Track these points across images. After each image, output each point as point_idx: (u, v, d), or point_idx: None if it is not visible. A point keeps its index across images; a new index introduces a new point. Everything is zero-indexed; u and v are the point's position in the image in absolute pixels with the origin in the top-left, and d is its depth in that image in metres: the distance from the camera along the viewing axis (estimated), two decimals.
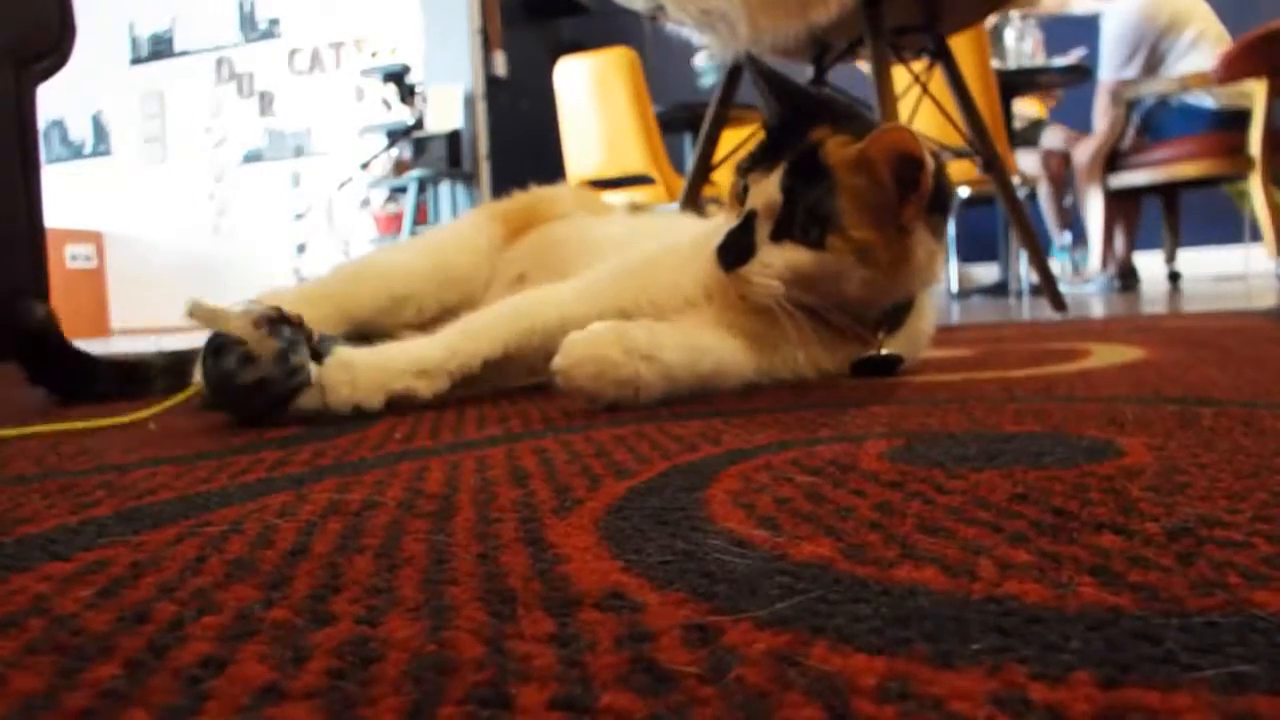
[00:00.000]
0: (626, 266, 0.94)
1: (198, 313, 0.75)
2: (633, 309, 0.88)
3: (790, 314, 0.83)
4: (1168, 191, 3.87)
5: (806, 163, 0.83)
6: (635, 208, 1.23)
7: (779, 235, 0.83)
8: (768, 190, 0.84)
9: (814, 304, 0.85)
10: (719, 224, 0.91)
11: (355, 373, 0.78)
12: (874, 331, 0.90)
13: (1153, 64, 3.63)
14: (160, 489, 0.50)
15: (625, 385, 0.75)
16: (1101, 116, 3.74)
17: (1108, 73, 3.71)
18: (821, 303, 0.85)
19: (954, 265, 4.03)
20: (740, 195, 0.88)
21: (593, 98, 3.67)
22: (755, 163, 0.87)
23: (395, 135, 5.34)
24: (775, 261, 0.83)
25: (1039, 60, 4.10)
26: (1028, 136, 4.08)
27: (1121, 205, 3.83)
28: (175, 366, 1.10)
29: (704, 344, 0.83)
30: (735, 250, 0.85)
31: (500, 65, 5.02)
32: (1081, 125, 3.90)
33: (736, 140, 2.39)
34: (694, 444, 0.57)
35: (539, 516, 0.40)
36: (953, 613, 0.27)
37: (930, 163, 0.80)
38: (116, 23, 6.88)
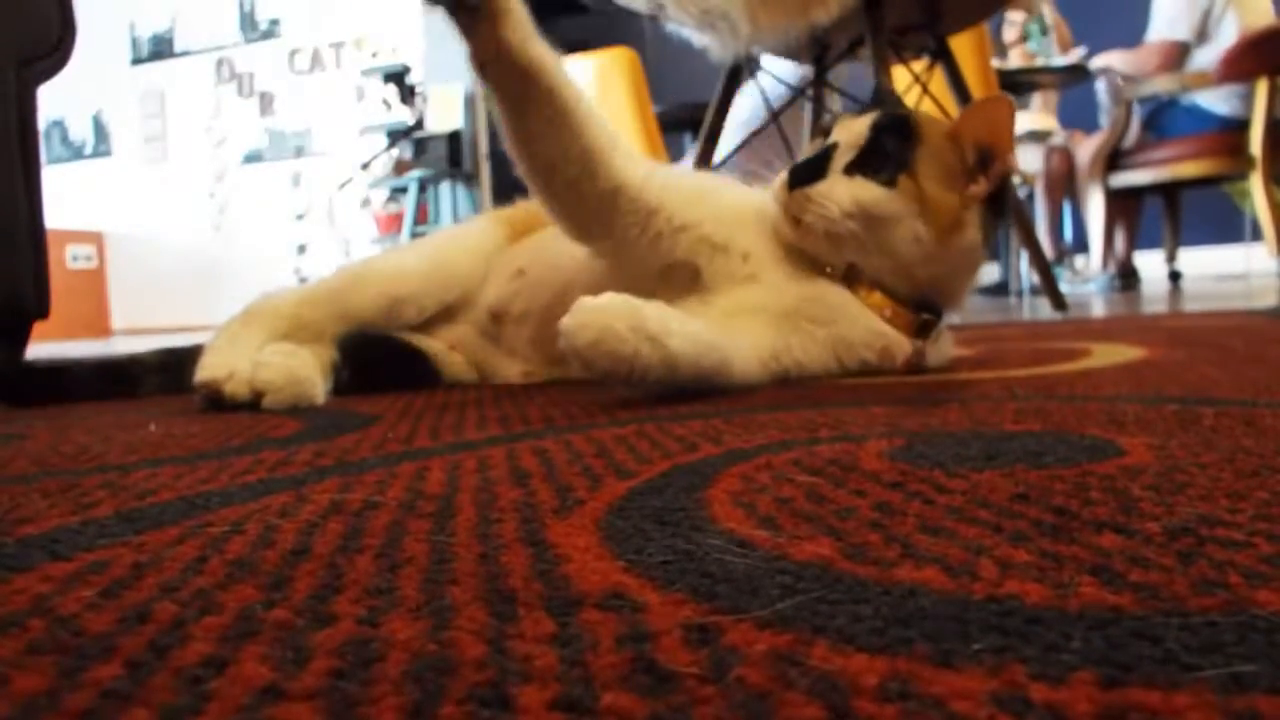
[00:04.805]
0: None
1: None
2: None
3: (839, 240, 0.88)
4: (1169, 191, 3.86)
5: (898, 120, 0.91)
6: None
7: (854, 169, 0.89)
8: (856, 127, 0.91)
9: (853, 260, 0.89)
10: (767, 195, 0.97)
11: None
12: (911, 323, 0.91)
13: (1204, 32, 3.54)
14: (161, 489, 0.50)
15: (621, 362, 0.73)
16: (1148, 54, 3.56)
17: (1158, 31, 3.56)
18: (863, 259, 0.89)
19: None
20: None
21: (593, 97, 3.66)
22: (845, 117, 0.95)
23: (395, 135, 5.34)
24: (841, 191, 0.88)
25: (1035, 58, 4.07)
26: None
27: (1122, 204, 3.82)
28: (169, 365, 1.09)
29: (714, 340, 0.82)
30: (807, 171, 0.90)
31: None
32: (1087, 126, 3.88)
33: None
34: (695, 444, 0.57)
35: (540, 516, 0.40)
36: (953, 613, 0.27)
37: (1010, 161, 0.88)
38: (117, 23, 6.89)
